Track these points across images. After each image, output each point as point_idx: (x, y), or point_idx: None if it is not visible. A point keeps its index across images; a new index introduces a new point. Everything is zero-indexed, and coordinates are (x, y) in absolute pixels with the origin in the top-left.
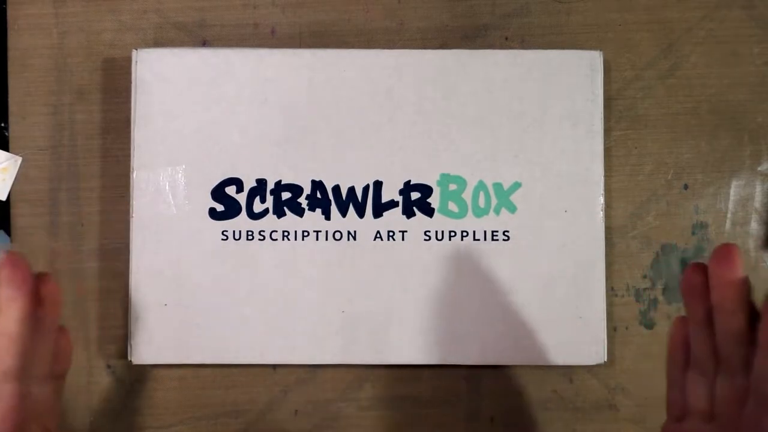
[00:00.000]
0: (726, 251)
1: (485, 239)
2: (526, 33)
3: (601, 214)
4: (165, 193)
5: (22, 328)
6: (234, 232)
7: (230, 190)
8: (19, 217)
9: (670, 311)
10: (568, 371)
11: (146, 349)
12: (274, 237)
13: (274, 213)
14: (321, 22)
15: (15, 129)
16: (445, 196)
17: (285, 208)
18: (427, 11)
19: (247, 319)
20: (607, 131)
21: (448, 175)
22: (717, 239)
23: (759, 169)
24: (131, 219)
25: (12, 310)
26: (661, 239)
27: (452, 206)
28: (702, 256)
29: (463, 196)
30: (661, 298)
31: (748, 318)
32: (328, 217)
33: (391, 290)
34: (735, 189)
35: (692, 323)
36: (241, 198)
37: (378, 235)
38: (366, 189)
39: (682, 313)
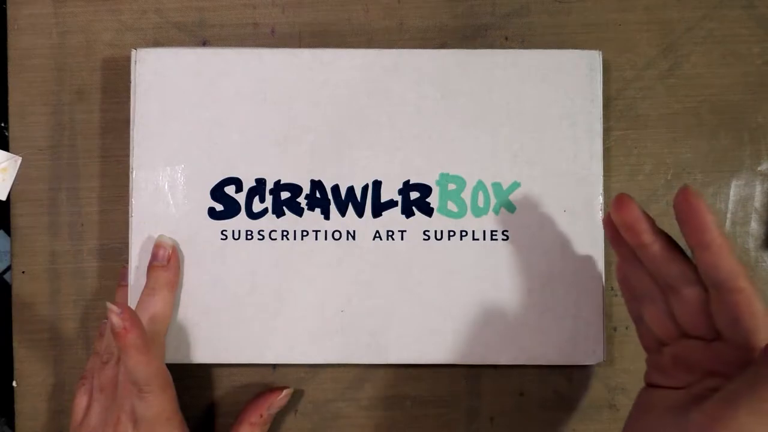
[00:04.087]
0: (619, 200)
1: (484, 239)
2: (526, 33)
3: (601, 213)
4: (164, 192)
5: (171, 308)
6: (233, 231)
7: (229, 189)
8: (19, 217)
9: None
10: (568, 371)
11: None
12: (273, 237)
13: (273, 213)
14: (321, 22)
15: (15, 129)
16: (444, 196)
17: (284, 207)
18: (427, 11)
19: (246, 319)
20: (607, 131)
21: (447, 174)
22: None
23: (759, 169)
24: (131, 219)
25: (168, 294)
26: None
27: (451, 206)
28: None
29: (462, 195)
30: None
31: (661, 242)
32: (327, 217)
33: (390, 290)
34: (735, 189)
35: (625, 263)
36: (241, 198)
37: (377, 235)
38: (365, 189)
39: None
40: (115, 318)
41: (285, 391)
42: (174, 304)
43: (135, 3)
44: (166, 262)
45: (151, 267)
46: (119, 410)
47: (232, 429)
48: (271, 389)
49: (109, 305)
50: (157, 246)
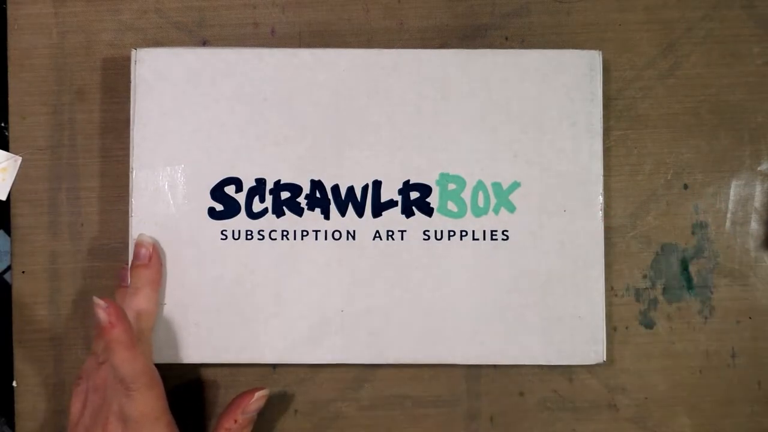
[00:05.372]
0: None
1: (484, 239)
2: (526, 33)
3: (600, 213)
4: (164, 192)
5: (156, 306)
6: (233, 231)
7: (229, 189)
8: (19, 217)
9: (670, 311)
10: (568, 371)
11: None
12: (273, 236)
13: (273, 212)
14: (321, 21)
15: (15, 129)
16: (444, 196)
17: (284, 207)
18: (427, 11)
19: (246, 319)
20: (607, 131)
21: (447, 174)
22: (717, 239)
23: (759, 169)
24: (131, 219)
25: (151, 292)
26: (661, 239)
27: (451, 206)
28: (702, 256)
29: (462, 195)
30: (661, 297)
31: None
32: (327, 217)
33: (390, 290)
34: (735, 189)
35: None
36: (240, 197)
37: (377, 235)
38: (365, 188)
39: (682, 312)
40: (101, 313)
41: (257, 394)
42: (158, 301)
43: (135, 3)
44: (148, 260)
45: (133, 266)
46: (108, 410)
47: None
48: (245, 392)
49: (96, 300)
50: (138, 245)
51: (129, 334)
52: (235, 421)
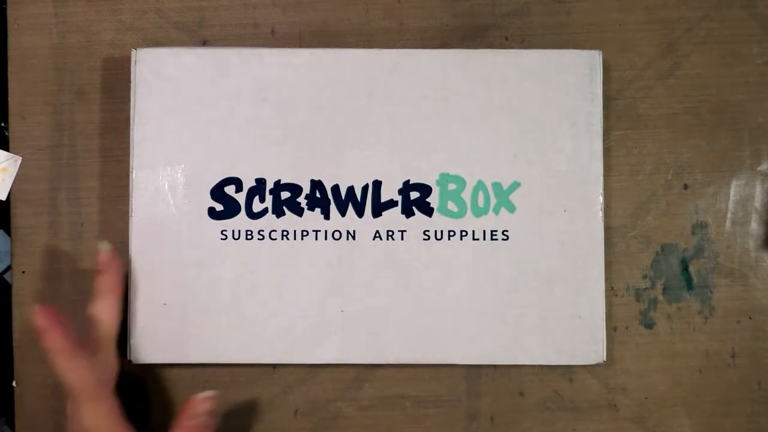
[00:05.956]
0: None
1: (484, 239)
2: (526, 33)
3: (600, 213)
4: (164, 192)
5: (117, 314)
6: (233, 231)
7: (229, 189)
8: (19, 217)
9: (670, 311)
10: (568, 371)
11: (145, 349)
12: (273, 236)
13: (273, 212)
14: (321, 21)
15: (15, 129)
16: (444, 196)
17: (284, 207)
18: (427, 11)
19: (246, 319)
20: (607, 131)
21: (447, 174)
22: (717, 239)
23: (759, 169)
24: (131, 219)
25: (111, 299)
26: (661, 239)
27: (451, 206)
28: (702, 255)
29: (462, 195)
30: (661, 297)
31: None
32: (327, 217)
33: (390, 290)
34: (735, 189)
35: None
36: (241, 197)
37: (377, 235)
38: (365, 188)
39: (682, 312)
40: (36, 319)
41: (201, 396)
42: (120, 309)
43: (135, 3)
44: (106, 266)
45: (95, 273)
46: (72, 417)
47: None
48: (190, 398)
49: (36, 307)
50: (99, 252)
51: (65, 343)
52: (185, 429)
